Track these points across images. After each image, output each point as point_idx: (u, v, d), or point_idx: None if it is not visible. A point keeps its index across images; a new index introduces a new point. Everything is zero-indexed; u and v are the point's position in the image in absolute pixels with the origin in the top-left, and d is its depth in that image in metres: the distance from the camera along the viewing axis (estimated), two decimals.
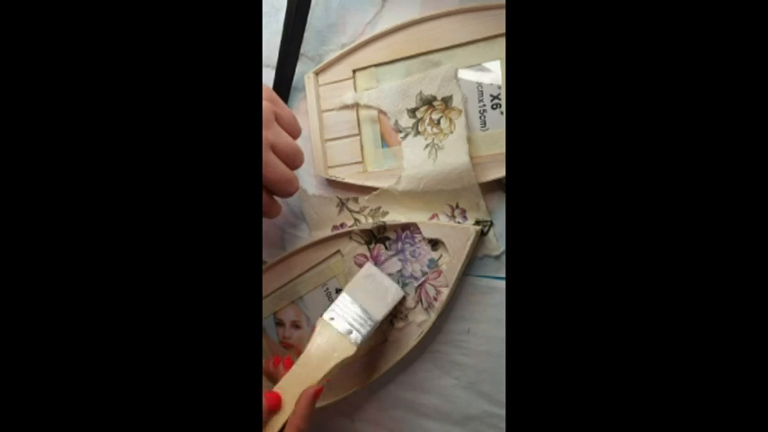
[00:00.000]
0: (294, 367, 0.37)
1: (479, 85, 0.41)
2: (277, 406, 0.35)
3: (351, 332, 0.38)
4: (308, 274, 0.46)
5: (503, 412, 0.40)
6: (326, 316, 0.39)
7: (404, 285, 0.42)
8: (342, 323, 0.38)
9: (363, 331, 0.38)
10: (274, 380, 0.41)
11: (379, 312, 0.39)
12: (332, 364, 0.37)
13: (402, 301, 0.41)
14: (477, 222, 0.41)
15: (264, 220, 0.42)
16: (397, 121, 0.43)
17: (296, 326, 0.47)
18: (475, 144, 0.40)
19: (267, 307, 0.47)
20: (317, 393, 0.36)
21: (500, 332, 0.40)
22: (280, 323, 0.47)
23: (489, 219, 0.40)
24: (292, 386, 0.36)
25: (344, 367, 0.38)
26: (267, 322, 0.47)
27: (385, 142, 0.44)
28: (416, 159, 0.41)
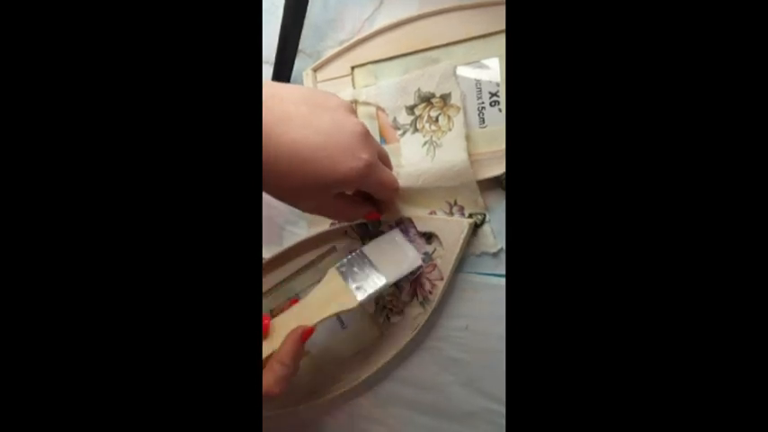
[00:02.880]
0: (294, 306, 0.38)
1: (478, 82, 0.41)
2: (264, 330, 0.36)
3: (358, 287, 0.38)
4: (305, 270, 0.46)
5: (501, 409, 0.40)
6: (338, 266, 0.39)
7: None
8: (350, 276, 0.38)
9: (369, 289, 0.38)
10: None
11: (391, 275, 0.38)
12: (330, 311, 0.37)
13: (397, 295, 0.42)
14: (471, 215, 0.41)
15: (264, 219, 0.42)
16: (395, 118, 0.43)
17: None
18: (473, 141, 0.40)
19: (265, 304, 0.47)
20: (305, 333, 0.36)
21: (498, 329, 0.40)
22: None
23: (483, 212, 0.40)
24: (287, 321, 0.37)
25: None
26: None
27: (383, 139, 0.44)
28: (415, 156, 0.41)
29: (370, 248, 0.40)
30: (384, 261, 0.39)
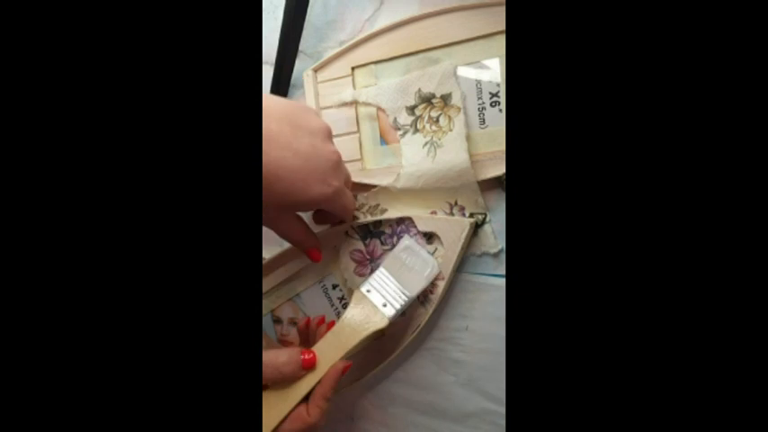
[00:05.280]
0: (329, 334, 0.38)
1: (478, 82, 0.41)
2: (312, 364, 0.37)
3: (385, 305, 0.39)
4: (305, 271, 0.46)
5: (501, 409, 0.40)
6: (363, 288, 0.39)
7: None
8: (377, 296, 0.39)
9: (397, 305, 0.38)
10: (303, 337, 0.42)
11: (415, 288, 0.39)
12: (364, 335, 0.38)
13: None
14: (472, 215, 0.41)
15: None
16: (395, 119, 0.43)
17: (293, 323, 0.47)
18: (474, 142, 0.40)
19: (265, 305, 0.47)
20: (345, 369, 0.37)
21: (498, 329, 0.40)
22: (277, 320, 0.47)
23: (484, 212, 0.40)
24: (325, 351, 0.37)
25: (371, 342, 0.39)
26: (265, 320, 0.47)
27: (384, 140, 0.44)
28: (415, 157, 0.41)
29: (390, 263, 0.40)
30: (405, 274, 0.40)
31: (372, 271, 0.41)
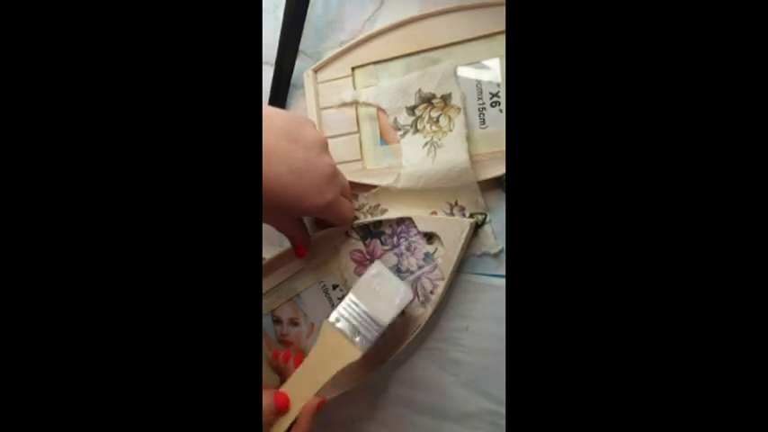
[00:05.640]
0: (298, 370, 0.37)
1: (478, 82, 0.41)
2: (285, 406, 0.36)
3: (356, 336, 0.37)
4: (305, 271, 0.46)
5: (501, 409, 0.40)
6: (332, 318, 0.38)
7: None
8: (347, 326, 0.37)
9: (369, 336, 0.37)
10: (279, 371, 0.41)
11: (386, 316, 0.38)
12: (336, 368, 0.37)
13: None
14: (472, 215, 0.41)
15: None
16: (396, 119, 0.43)
17: (294, 323, 0.47)
18: (474, 142, 0.40)
19: (265, 305, 0.47)
20: (319, 406, 0.37)
21: (498, 330, 0.40)
22: (277, 321, 0.47)
23: (485, 212, 0.40)
24: (297, 388, 0.36)
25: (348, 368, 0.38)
26: (265, 320, 0.47)
27: (384, 140, 0.44)
28: (415, 157, 0.41)
29: (358, 291, 0.39)
30: (375, 301, 0.38)
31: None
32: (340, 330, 0.38)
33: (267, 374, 0.44)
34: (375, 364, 0.42)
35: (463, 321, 0.41)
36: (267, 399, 0.35)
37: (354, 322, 0.38)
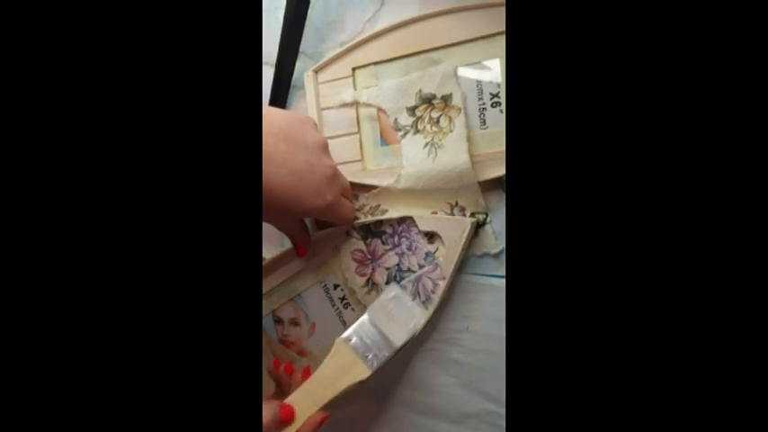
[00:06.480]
0: (307, 383, 0.37)
1: (479, 83, 0.41)
2: (291, 418, 0.36)
3: (368, 356, 0.38)
4: (306, 271, 0.46)
5: (501, 410, 0.40)
6: (345, 335, 0.38)
7: (401, 279, 0.42)
8: (360, 344, 0.38)
9: (381, 356, 0.38)
10: (277, 380, 0.41)
11: (399, 339, 0.38)
12: (344, 385, 0.37)
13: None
14: (473, 214, 0.41)
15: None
16: (396, 120, 0.43)
17: (295, 323, 0.47)
18: (474, 142, 0.40)
19: (265, 305, 0.47)
20: (322, 420, 0.37)
21: (498, 330, 0.40)
22: (278, 321, 0.47)
23: (485, 212, 0.40)
24: (304, 401, 0.36)
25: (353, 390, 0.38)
26: (266, 320, 0.47)
27: (384, 140, 0.44)
28: (416, 158, 0.41)
29: (374, 312, 0.39)
30: (389, 323, 0.39)
31: (374, 271, 0.41)
32: (353, 348, 0.38)
33: (263, 381, 0.44)
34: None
35: (463, 322, 0.41)
36: (273, 409, 0.35)
37: (368, 341, 0.38)
